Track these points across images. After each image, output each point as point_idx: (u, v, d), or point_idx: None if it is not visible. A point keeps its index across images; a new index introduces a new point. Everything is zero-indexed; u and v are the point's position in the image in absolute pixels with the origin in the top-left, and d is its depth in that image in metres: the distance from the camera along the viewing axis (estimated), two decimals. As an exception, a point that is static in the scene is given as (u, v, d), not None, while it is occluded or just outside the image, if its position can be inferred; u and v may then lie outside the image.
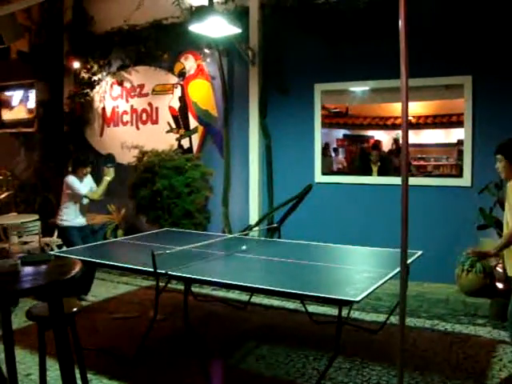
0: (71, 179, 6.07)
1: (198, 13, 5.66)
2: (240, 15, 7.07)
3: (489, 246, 4.08)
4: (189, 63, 7.95)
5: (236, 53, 7.41)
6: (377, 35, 6.42)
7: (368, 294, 3.50)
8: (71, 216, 6.14)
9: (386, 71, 6.36)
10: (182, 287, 5.82)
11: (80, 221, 6.23)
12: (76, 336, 3.30)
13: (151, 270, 4.09)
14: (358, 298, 3.34)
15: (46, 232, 7.86)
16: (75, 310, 3.23)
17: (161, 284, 4.29)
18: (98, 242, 6.18)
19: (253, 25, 7.23)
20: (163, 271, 4.08)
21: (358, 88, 7.11)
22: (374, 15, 6.40)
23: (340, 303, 3.46)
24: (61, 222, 6.16)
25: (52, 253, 4.86)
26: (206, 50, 7.62)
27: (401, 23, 2.15)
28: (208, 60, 7.72)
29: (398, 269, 4.08)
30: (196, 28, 5.91)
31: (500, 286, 5.51)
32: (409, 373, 3.97)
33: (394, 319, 5.08)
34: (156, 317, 4.27)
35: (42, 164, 9.09)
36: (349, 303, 3.51)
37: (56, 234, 8.08)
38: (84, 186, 6.15)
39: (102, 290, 6.59)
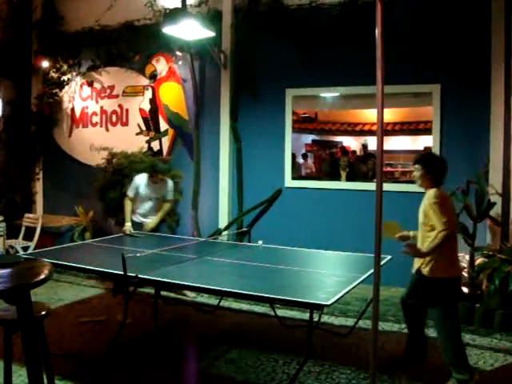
0: (135, 178, 6.24)
1: (171, 15, 5.65)
2: (213, 19, 7.06)
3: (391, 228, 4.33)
4: (160, 65, 7.90)
5: (208, 56, 7.40)
6: (348, 42, 6.50)
7: (339, 298, 3.53)
8: (137, 214, 6.27)
9: (356, 78, 6.46)
10: (150, 291, 5.79)
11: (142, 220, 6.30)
12: (44, 340, 3.23)
13: (121, 273, 4.05)
14: (329, 302, 3.38)
15: (11, 234, 7.71)
16: (44, 313, 3.17)
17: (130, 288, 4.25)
18: (66, 245, 6.08)
19: (225, 29, 7.24)
20: (133, 274, 4.04)
21: (329, 94, 7.19)
22: (345, 23, 6.48)
23: (311, 307, 3.48)
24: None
25: (19, 254, 4.76)
26: (178, 53, 7.58)
27: (378, 31, 2.19)
28: (180, 63, 7.69)
29: (368, 273, 4.15)
30: (169, 30, 5.90)
31: (465, 290, 5.63)
32: (377, 376, 4.00)
33: (362, 323, 5.14)
34: (125, 321, 4.22)
35: (8, 164, 8.89)
36: (320, 307, 3.53)
37: (21, 235, 7.95)
38: (151, 190, 6.19)
39: (69, 293, 6.48)
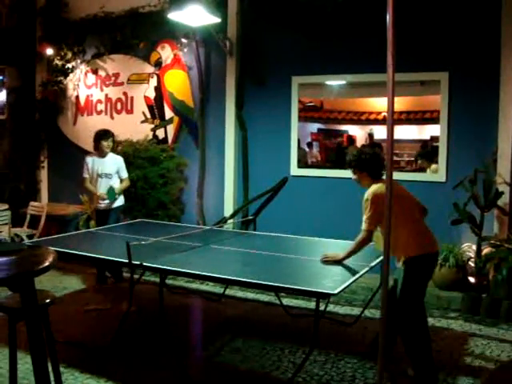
0: (85, 160, 6.50)
1: (176, 0, 5.59)
2: (218, 5, 6.96)
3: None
4: (165, 53, 7.84)
5: (213, 43, 7.32)
6: (355, 29, 6.42)
7: (345, 287, 3.51)
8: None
9: (362, 66, 6.40)
10: (155, 279, 5.79)
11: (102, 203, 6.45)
12: (48, 328, 3.22)
13: (126, 261, 4.03)
14: (335, 291, 3.35)
15: (16, 222, 7.71)
16: (48, 301, 3.16)
17: (135, 276, 4.23)
18: (71, 233, 6.07)
19: (231, 15, 7.15)
20: (138, 262, 4.03)
21: (335, 82, 7.11)
22: (352, 10, 6.38)
23: (318, 296, 3.45)
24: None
25: (24, 242, 4.75)
26: (183, 40, 7.50)
27: (389, 16, 2.13)
28: (185, 50, 7.61)
29: (374, 262, 4.12)
30: (174, 16, 5.84)
31: (472, 280, 5.60)
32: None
33: (368, 312, 5.12)
34: (130, 309, 4.21)
35: (13, 152, 8.87)
36: (327, 296, 3.51)
37: (26, 223, 7.94)
38: (107, 165, 6.41)
39: (73, 281, 6.49)
